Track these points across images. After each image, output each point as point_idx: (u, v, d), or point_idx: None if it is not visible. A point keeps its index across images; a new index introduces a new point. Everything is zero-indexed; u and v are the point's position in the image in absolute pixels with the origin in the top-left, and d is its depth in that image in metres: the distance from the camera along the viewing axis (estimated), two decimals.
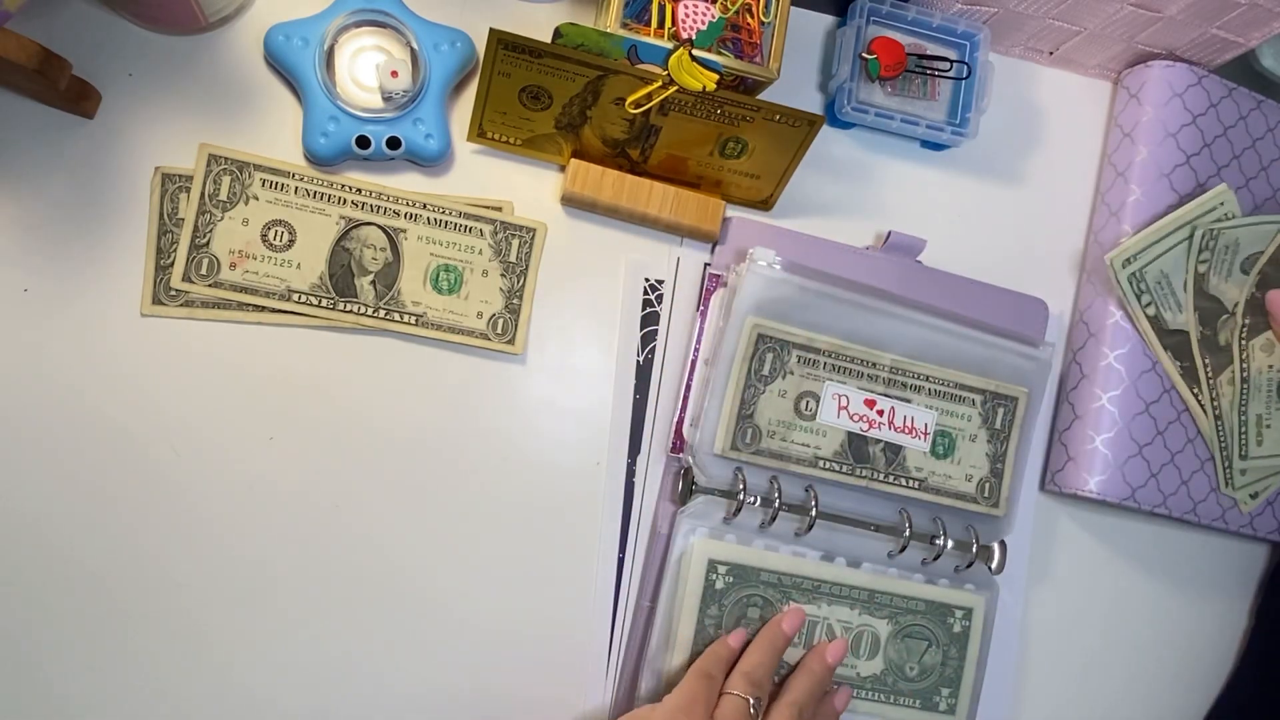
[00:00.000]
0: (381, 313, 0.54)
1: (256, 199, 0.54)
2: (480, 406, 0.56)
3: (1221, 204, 0.44)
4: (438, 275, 0.55)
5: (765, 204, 0.60)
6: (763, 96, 0.55)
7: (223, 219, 0.53)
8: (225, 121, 0.54)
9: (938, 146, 0.64)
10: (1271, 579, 0.61)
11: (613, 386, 0.57)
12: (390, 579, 0.54)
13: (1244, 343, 0.48)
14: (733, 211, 0.60)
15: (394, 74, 0.53)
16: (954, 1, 0.61)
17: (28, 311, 0.51)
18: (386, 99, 0.53)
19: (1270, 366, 0.50)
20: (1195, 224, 0.43)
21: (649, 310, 0.58)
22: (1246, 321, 0.48)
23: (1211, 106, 0.64)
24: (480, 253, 0.56)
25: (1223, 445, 0.52)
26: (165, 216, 0.53)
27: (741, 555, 0.54)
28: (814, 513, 0.55)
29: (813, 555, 0.56)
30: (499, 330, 0.56)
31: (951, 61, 0.62)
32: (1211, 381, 0.51)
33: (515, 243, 0.56)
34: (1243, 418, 0.51)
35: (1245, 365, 0.49)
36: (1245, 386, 0.50)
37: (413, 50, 0.54)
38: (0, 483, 0.50)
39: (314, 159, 0.54)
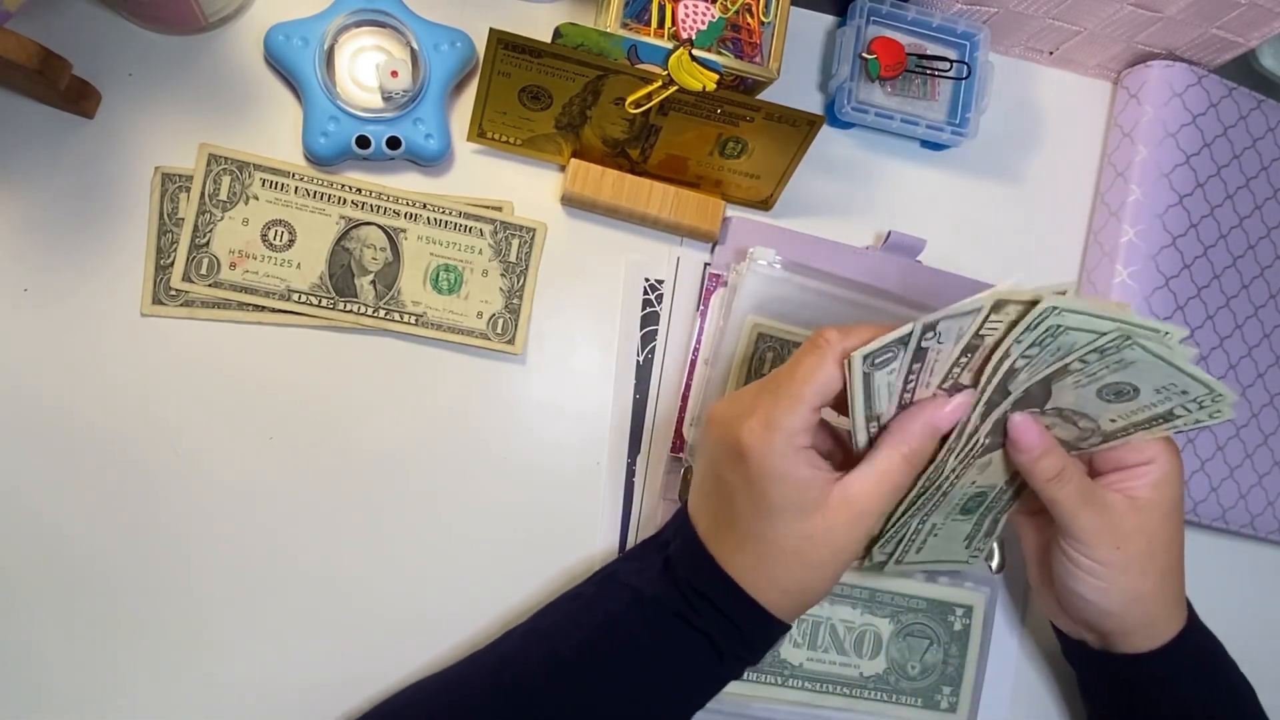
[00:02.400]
0: (381, 313, 0.54)
1: (256, 199, 0.54)
2: (480, 406, 0.56)
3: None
4: (437, 275, 0.55)
5: (765, 204, 0.60)
6: (763, 96, 0.55)
7: (223, 219, 0.53)
8: (225, 121, 0.54)
9: (938, 146, 0.64)
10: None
11: (613, 386, 0.57)
12: (390, 578, 0.54)
13: (970, 460, 0.47)
14: (733, 211, 0.60)
15: (394, 74, 0.53)
16: (954, 1, 0.61)
17: (28, 311, 0.51)
18: (386, 99, 0.53)
19: (974, 483, 0.48)
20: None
21: (649, 310, 0.58)
22: (985, 441, 0.45)
23: (1211, 106, 0.64)
24: (480, 252, 0.56)
25: (890, 535, 0.50)
26: (165, 216, 0.53)
27: None
28: None
29: None
30: (499, 330, 0.56)
31: (951, 61, 0.62)
32: (973, 461, 0.48)
33: (515, 243, 0.56)
34: (920, 524, 0.50)
35: (954, 480, 0.47)
36: (940, 497, 0.48)
37: (413, 50, 0.54)
38: (0, 482, 0.50)
39: (314, 159, 0.54)
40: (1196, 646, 0.52)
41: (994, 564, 0.59)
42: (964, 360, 0.43)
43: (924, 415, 0.43)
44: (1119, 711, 0.55)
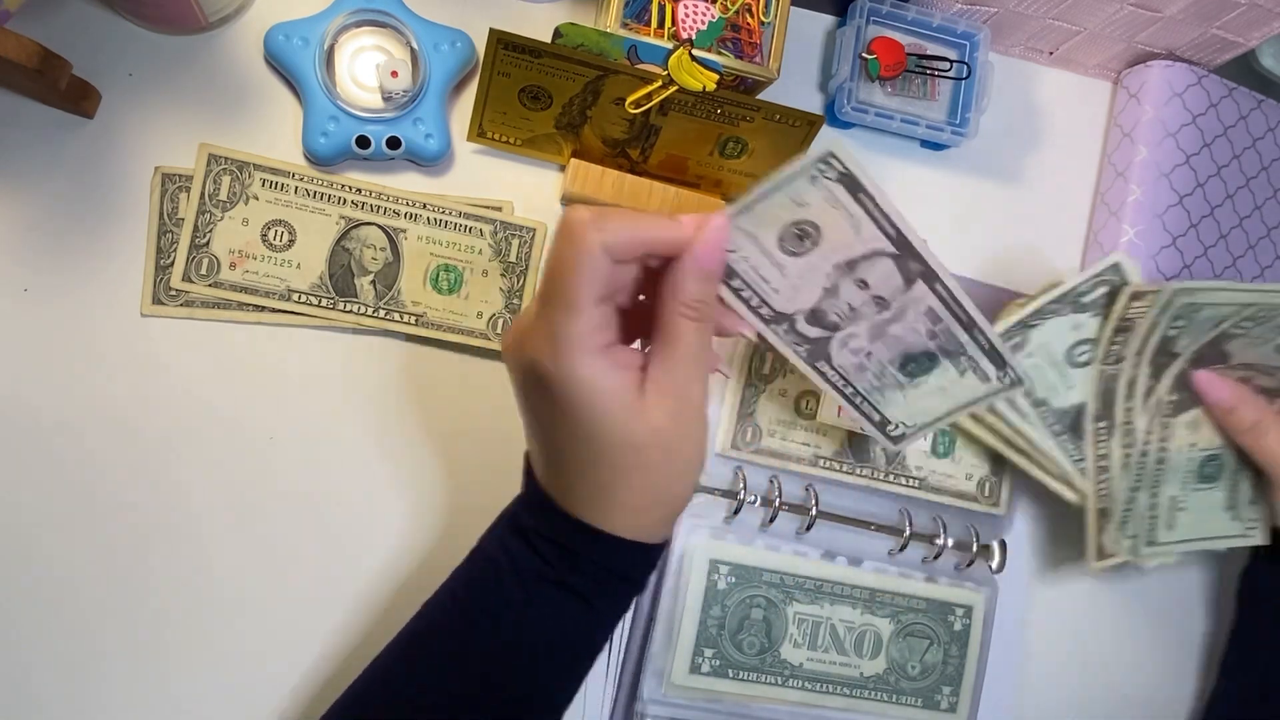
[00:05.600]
0: (381, 313, 0.54)
1: (256, 199, 0.54)
2: (479, 406, 0.56)
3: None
4: (437, 275, 0.55)
5: None
6: (763, 96, 0.55)
7: (223, 219, 0.53)
8: (225, 121, 0.54)
9: (938, 146, 0.64)
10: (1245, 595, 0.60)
11: None
12: (390, 576, 0.54)
13: (1166, 419, 0.48)
14: None
15: (394, 74, 0.53)
16: (954, 1, 0.61)
17: (28, 311, 0.51)
18: (386, 99, 0.53)
19: (1193, 444, 0.50)
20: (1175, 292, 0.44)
21: None
22: (1173, 398, 0.48)
23: (1211, 106, 0.64)
24: (480, 253, 0.56)
25: (1112, 513, 0.50)
26: (165, 216, 0.53)
27: (743, 555, 0.54)
28: (814, 511, 0.55)
29: (814, 554, 0.56)
30: (498, 330, 0.56)
31: (951, 61, 0.62)
32: (1171, 421, 0.50)
33: (515, 243, 0.56)
34: (1153, 499, 0.50)
35: (1164, 444, 0.49)
36: (1156, 466, 0.49)
37: (413, 50, 0.54)
38: None
39: (314, 159, 0.54)
40: None
41: (994, 563, 0.59)
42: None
43: (685, 261, 0.38)
44: None
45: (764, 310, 0.41)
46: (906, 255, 0.41)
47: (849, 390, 0.46)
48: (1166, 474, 0.49)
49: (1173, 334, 0.45)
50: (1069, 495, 0.52)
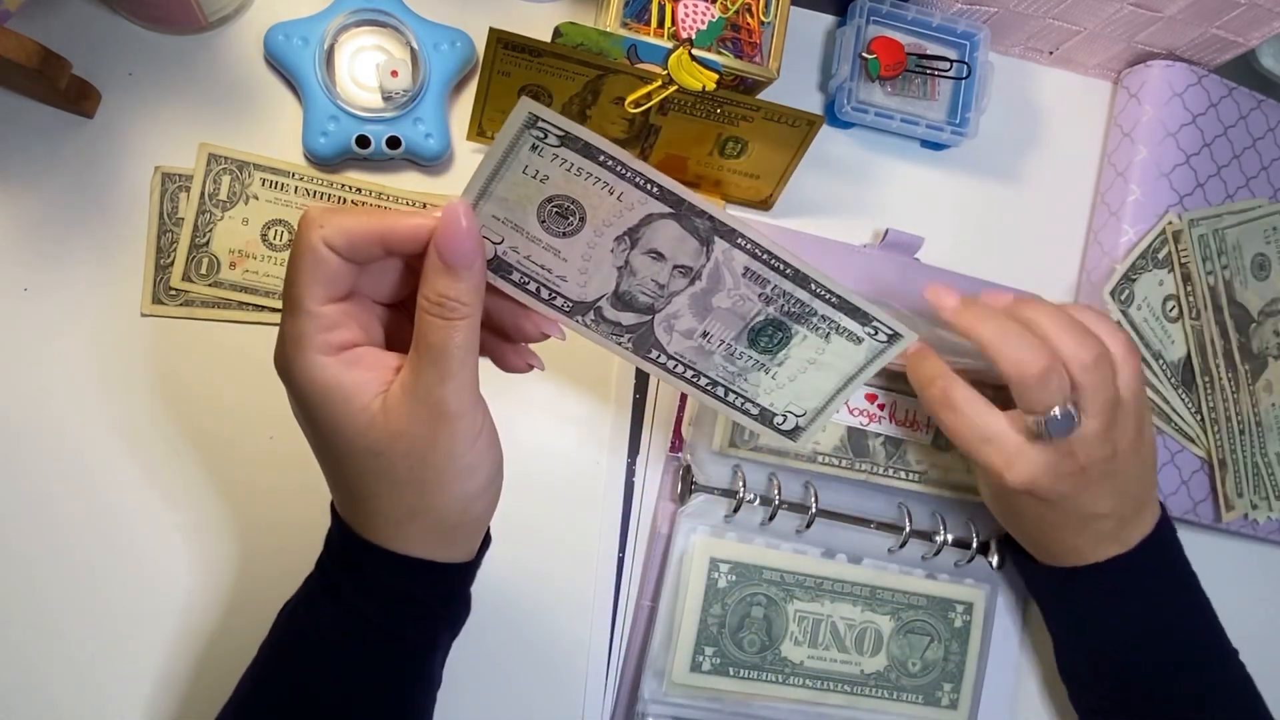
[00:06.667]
0: None
1: (256, 198, 0.54)
2: None
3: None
4: None
5: (765, 204, 0.60)
6: (763, 96, 0.55)
7: (223, 218, 0.53)
8: (225, 121, 0.54)
9: (938, 146, 0.65)
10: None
11: (613, 386, 0.57)
12: None
13: (1251, 384, 0.51)
14: (732, 211, 0.60)
15: (394, 73, 0.53)
16: (954, 1, 0.61)
17: (28, 311, 0.51)
18: (386, 98, 0.54)
19: (1274, 405, 0.52)
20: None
21: None
22: (1246, 366, 0.51)
23: (1211, 106, 0.65)
24: None
25: (1228, 465, 0.52)
26: (165, 216, 0.53)
27: (743, 553, 0.54)
28: (814, 509, 0.55)
29: (814, 552, 0.56)
30: None
31: (951, 61, 0.62)
32: (1251, 388, 0.51)
33: None
34: (1261, 457, 0.53)
35: (1255, 406, 0.52)
36: (1258, 428, 0.53)
37: (413, 50, 0.54)
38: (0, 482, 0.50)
39: (314, 158, 0.54)
40: None
41: (994, 560, 0.59)
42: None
43: (428, 254, 0.35)
44: None
45: (559, 301, 0.39)
46: (686, 212, 0.37)
47: (703, 381, 0.42)
48: (1265, 432, 0.53)
49: (1227, 276, 0.46)
50: (1195, 450, 0.56)
